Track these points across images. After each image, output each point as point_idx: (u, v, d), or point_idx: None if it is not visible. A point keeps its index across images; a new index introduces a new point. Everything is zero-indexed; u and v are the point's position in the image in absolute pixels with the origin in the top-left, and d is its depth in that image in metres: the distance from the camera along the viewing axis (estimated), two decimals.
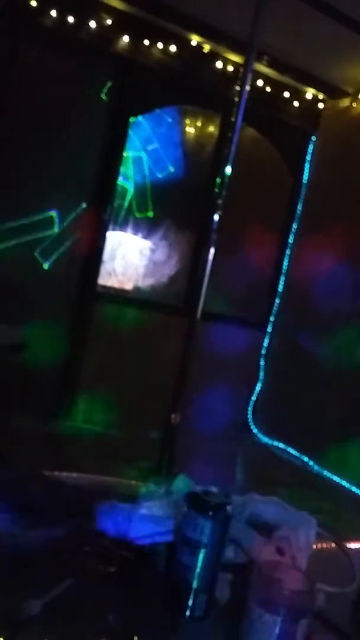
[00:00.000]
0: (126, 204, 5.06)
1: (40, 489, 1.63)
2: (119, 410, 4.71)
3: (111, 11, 4.53)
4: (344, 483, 4.63)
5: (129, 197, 5.06)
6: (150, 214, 5.20)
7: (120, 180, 4.91)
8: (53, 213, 4.66)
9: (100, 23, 4.52)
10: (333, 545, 1.82)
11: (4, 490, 1.53)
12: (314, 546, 1.53)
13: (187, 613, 1.20)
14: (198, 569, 1.20)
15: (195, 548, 1.19)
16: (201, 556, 1.20)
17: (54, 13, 4.35)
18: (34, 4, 4.28)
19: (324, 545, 1.78)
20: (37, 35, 4.41)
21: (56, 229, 4.70)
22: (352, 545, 1.87)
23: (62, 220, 4.75)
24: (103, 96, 4.72)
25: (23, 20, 4.26)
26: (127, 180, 5.02)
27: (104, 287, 4.99)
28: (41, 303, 4.54)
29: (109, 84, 4.73)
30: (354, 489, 4.55)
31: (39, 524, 1.38)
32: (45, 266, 4.68)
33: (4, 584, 1.19)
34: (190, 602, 1.20)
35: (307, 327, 5.36)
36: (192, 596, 1.20)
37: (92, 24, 4.49)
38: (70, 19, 4.41)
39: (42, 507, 1.46)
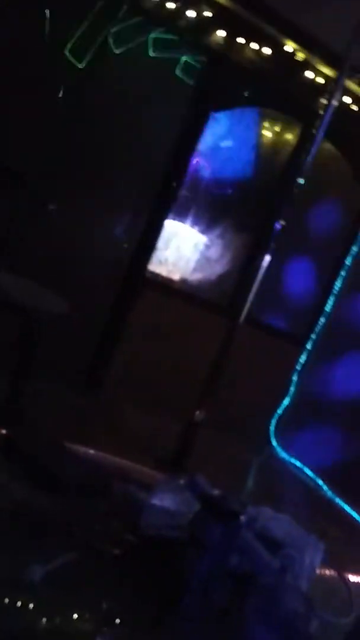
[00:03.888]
0: (191, 195, 5.06)
1: (60, 459, 1.65)
2: (147, 396, 4.72)
3: (213, 4, 4.52)
4: (354, 514, 4.57)
5: (194, 188, 5.05)
6: (211, 209, 5.18)
7: (189, 171, 4.91)
8: None
9: (199, 14, 4.51)
10: (335, 573, 1.81)
11: (23, 455, 1.56)
12: (317, 571, 1.52)
13: (182, 610, 1.21)
14: (200, 570, 1.21)
15: (201, 549, 1.20)
16: (206, 558, 1.20)
17: None
18: None
19: (326, 572, 1.77)
20: None
21: None
22: (354, 578, 1.85)
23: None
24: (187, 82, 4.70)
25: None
26: (196, 172, 5.01)
27: (153, 273, 5.01)
28: (91, 279, 4.58)
29: (197, 74, 4.72)
30: None
31: (54, 493, 1.41)
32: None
33: (12, 546, 1.22)
34: (186, 601, 1.21)
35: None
36: (189, 595, 1.21)
37: (191, 13, 4.49)
38: (171, 5, 4.41)
39: (59, 477, 1.48)
